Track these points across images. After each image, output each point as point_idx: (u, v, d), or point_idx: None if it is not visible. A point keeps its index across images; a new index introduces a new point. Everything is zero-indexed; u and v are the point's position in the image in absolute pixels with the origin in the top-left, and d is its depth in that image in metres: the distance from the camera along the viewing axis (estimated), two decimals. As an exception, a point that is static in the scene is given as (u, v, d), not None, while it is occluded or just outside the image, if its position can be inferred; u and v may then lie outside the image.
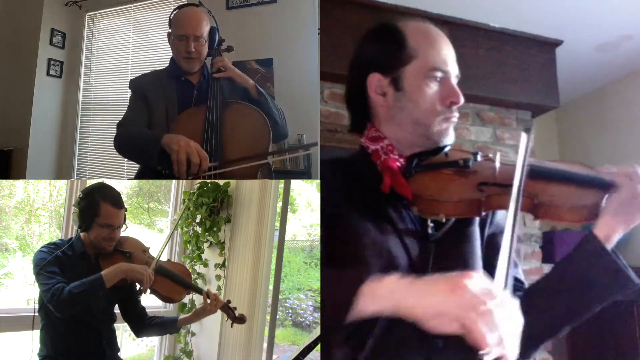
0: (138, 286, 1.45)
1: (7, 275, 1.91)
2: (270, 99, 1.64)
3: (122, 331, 1.86)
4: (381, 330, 0.78)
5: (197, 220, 2.10)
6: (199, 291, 1.60)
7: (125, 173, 2.60)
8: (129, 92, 1.67)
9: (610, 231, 0.86)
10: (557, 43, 3.01)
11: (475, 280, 0.70)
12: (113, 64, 2.89)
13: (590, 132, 3.69)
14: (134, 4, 2.80)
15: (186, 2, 1.74)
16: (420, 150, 0.98)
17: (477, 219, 1.00)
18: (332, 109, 2.61)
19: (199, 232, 2.10)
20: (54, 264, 1.33)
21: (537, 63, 2.97)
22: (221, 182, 2.03)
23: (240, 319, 1.62)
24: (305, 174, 2.16)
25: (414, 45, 0.97)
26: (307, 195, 2.81)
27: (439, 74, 0.96)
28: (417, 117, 0.97)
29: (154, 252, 1.56)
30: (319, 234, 0.93)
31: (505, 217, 0.80)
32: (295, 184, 2.43)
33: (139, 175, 1.69)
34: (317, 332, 1.28)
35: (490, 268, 0.78)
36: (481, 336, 0.66)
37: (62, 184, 2.11)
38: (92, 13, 2.96)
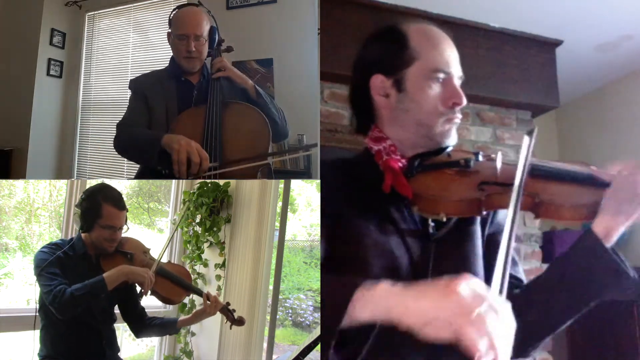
0: (139, 288, 1.45)
1: (7, 275, 1.91)
2: (270, 99, 1.63)
3: (122, 331, 1.86)
4: (376, 337, 0.77)
5: (197, 220, 2.10)
6: (199, 293, 1.60)
7: (125, 173, 2.60)
8: (129, 92, 1.67)
9: (608, 228, 0.86)
10: (557, 43, 3.01)
11: (466, 284, 0.68)
12: (113, 64, 2.89)
13: (590, 132, 3.69)
14: (134, 4, 2.80)
15: (186, 2, 1.74)
16: (422, 150, 0.98)
17: (478, 219, 1.00)
18: (332, 109, 2.61)
19: (199, 232, 2.10)
20: (55, 264, 1.32)
21: (537, 63, 2.97)
22: (221, 182, 2.03)
23: (239, 321, 1.62)
24: (305, 174, 2.16)
25: (416, 46, 0.97)
26: (307, 195, 2.81)
27: (441, 75, 0.97)
28: (419, 118, 0.97)
29: (154, 253, 1.56)
30: (319, 234, 0.94)
31: (506, 217, 0.80)
32: (295, 184, 2.43)
33: (139, 175, 1.69)
34: (317, 332, 1.28)
35: (490, 267, 0.78)
36: (471, 342, 0.65)
37: (62, 184, 2.11)
38: (92, 13, 2.96)
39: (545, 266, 2.86)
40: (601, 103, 3.64)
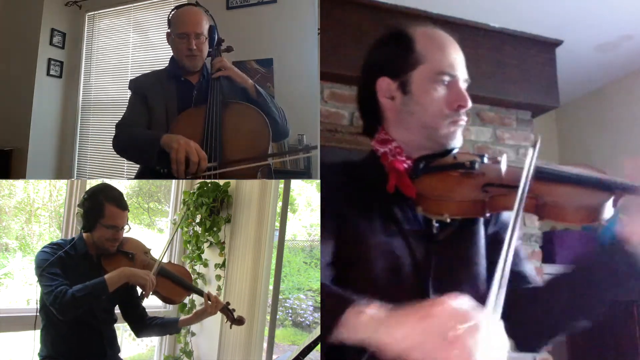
0: (140, 290, 1.45)
1: (7, 275, 1.91)
2: (270, 98, 1.63)
3: (123, 331, 1.86)
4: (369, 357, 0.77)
5: (197, 220, 2.10)
6: (200, 293, 1.60)
7: (125, 173, 2.60)
8: (129, 92, 1.67)
9: (634, 230, 0.85)
10: (557, 43, 3.01)
11: (447, 305, 0.67)
12: (113, 64, 2.89)
13: (590, 132, 3.69)
14: (134, 4, 2.80)
15: (185, 2, 1.74)
16: (428, 152, 0.99)
17: (481, 219, 1.01)
18: (332, 109, 2.61)
19: (199, 232, 2.10)
20: (56, 265, 1.32)
21: (537, 63, 2.97)
22: (221, 182, 2.02)
23: (239, 321, 1.62)
24: (305, 174, 2.16)
25: (421, 49, 0.98)
26: (307, 195, 2.81)
27: (446, 78, 0.97)
28: (424, 120, 0.98)
29: (154, 253, 1.56)
30: (319, 234, 0.94)
31: (509, 217, 0.79)
32: (295, 184, 2.42)
33: (139, 175, 1.69)
34: (317, 332, 1.28)
35: (491, 267, 0.78)
36: None
37: (62, 184, 2.11)
38: (92, 13, 2.96)
39: (545, 266, 2.88)
40: (601, 103, 3.63)
